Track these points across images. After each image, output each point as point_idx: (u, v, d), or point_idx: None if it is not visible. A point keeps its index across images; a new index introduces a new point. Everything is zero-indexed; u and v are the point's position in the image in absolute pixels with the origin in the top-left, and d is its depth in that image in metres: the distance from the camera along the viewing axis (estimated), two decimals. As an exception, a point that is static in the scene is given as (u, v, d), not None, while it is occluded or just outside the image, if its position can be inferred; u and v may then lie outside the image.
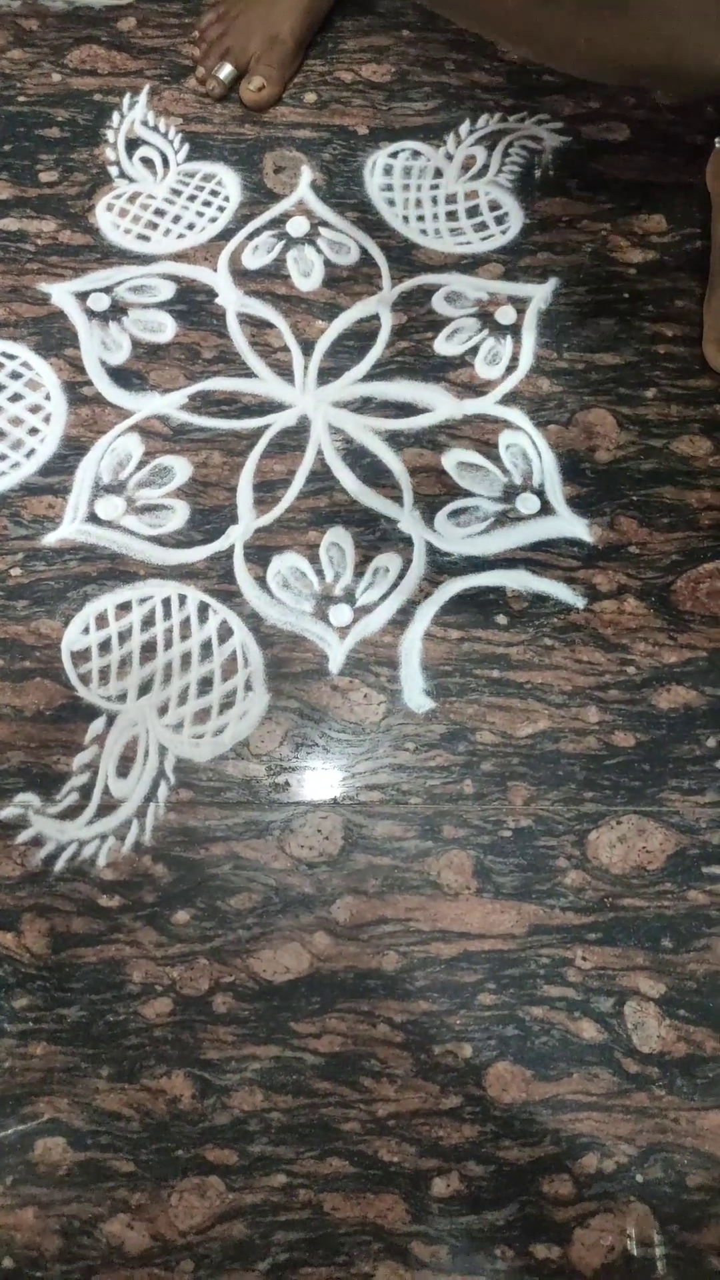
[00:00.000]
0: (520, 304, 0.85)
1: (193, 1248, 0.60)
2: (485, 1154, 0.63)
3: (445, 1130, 0.63)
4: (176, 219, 0.88)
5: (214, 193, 0.89)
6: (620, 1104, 0.64)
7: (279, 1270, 0.60)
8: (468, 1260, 0.61)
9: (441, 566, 0.77)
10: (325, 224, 0.88)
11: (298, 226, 0.88)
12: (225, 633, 0.74)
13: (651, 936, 0.68)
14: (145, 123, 0.91)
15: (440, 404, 0.82)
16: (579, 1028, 0.66)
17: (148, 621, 0.74)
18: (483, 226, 0.88)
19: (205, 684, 0.73)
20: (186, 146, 0.90)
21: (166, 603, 0.75)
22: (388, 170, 0.90)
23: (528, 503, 0.79)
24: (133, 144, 0.90)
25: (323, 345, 0.84)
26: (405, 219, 0.88)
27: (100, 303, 0.84)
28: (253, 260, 0.86)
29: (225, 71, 0.91)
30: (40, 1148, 0.62)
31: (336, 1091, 0.64)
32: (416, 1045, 0.65)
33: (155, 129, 0.91)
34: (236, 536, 0.77)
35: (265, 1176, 0.62)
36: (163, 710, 0.72)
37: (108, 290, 0.85)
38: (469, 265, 0.87)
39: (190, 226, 0.87)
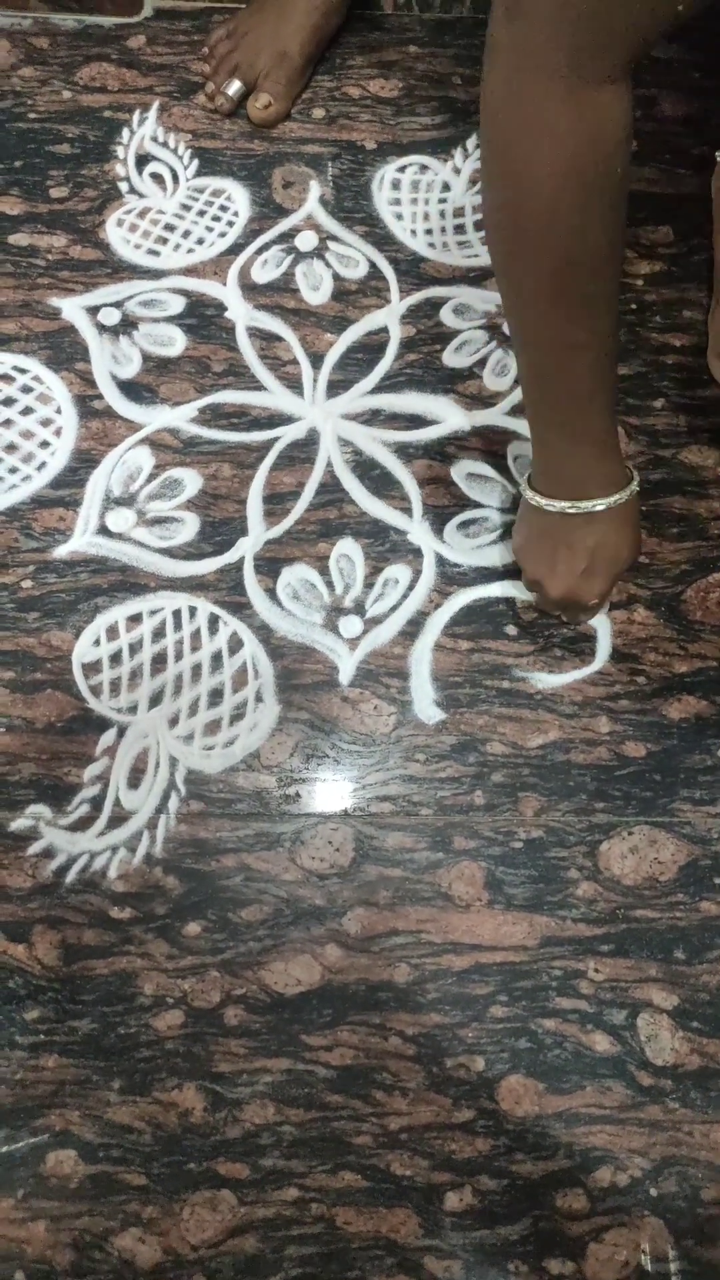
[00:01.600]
0: (528, 316, 0.86)
1: (204, 1262, 0.60)
2: (498, 1168, 0.63)
3: (458, 1144, 0.63)
4: (186, 234, 0.88)
5: (223, 208, 0.89)
6: (634, 1117, 0.64)
7: (291, 1285, 0.60)
8: (481, 1275, 0.60)
9: (451, 577, 0.77)
10: (334, 238, 0.89)
11: (306, 241, 0.88)
12: (236, 644, 0.75)
13: (664, 948, 0.67)
14: (155, 139, 0.92)
15: (449, 415, 0.82)
16: (592, 1040, 0.65)
17: (158, 633, 0.75)
18: (490, 239, 0.88)
19: (216, 696, 0.73)
20: (196, 162, 0.91)
21: (177, 615, 0.75)
22: (396, 184, 0.91)
23: (537, 513, 0.79)
24: (143, 160, 0.91)
25: (332, 358, 0.84)
26: (413, 232, 0.89)
27: (111, 317, 0.85)
28: (262, 274, 0.87)
29: (234, 88, 0.92)
30: (51, 1161, 0.62)
31: (348, 1105, 0.64)
32: (428, 1058, 0.65)
33: (165, 145, 0.92)
34: (247, 548, 0.77)
35: (277, 1190, 0.62)
36: (173, 722, 0.72)
37: (118, 305, 0.85)
38: (477, 278, 0.87)
39: (200, 241, 0.88)
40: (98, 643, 0.74)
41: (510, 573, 0.77)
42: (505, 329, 0.84)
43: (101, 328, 0.84)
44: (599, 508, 0.64)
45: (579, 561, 0.66)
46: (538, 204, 0.52)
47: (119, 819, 0.70)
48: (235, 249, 0.88)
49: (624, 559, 0.67)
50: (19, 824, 0.69)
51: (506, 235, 0.55)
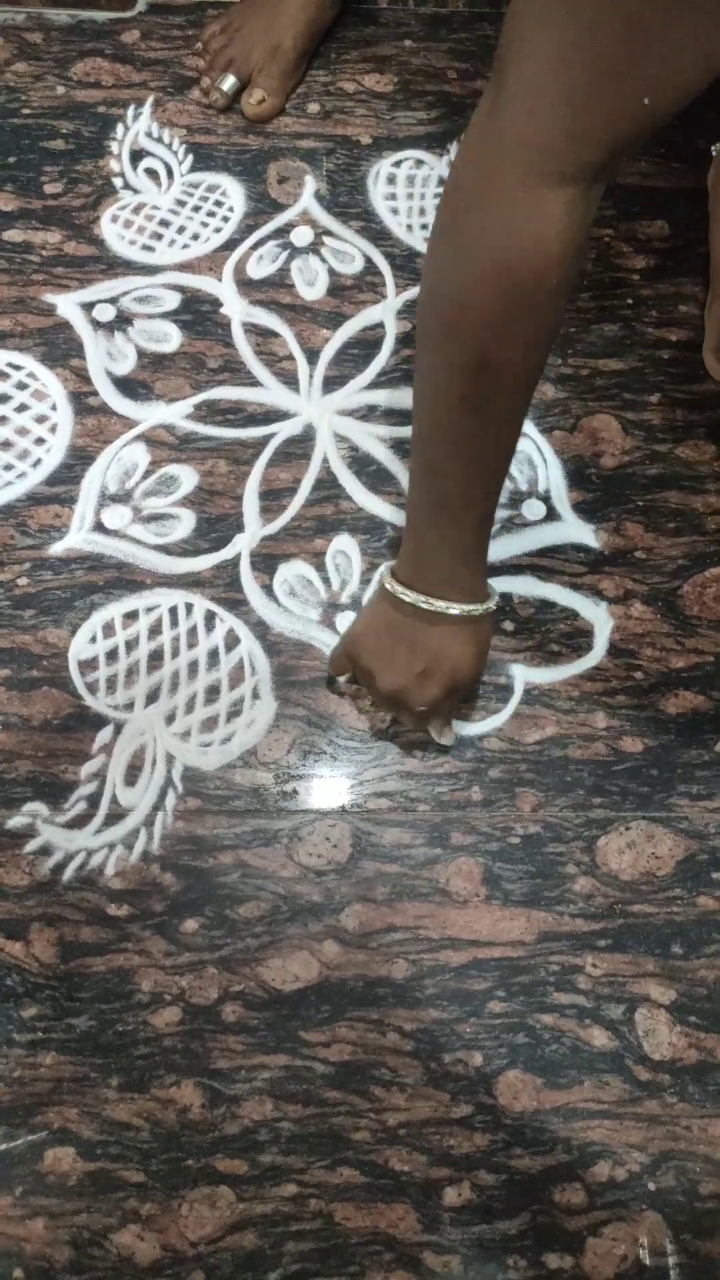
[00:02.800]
0: (524, 311, 0.85)
1: (203, 1258, 0.60)
2: (496, 1163, 0.63)
3: (456, 1139, 0.63)
4: (181, 229, 0.88)
5: (218, 203, 0.89)
6: (632, 1112, 0.64)
7: (290, 1281, 0.60)
8: (480, 1270, 0.60)
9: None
10: (329, 233, 0.88)
11: (302, 236, 0.88)
12: (232, 641, 0.74)
13: (662, 943, 0.68)
14: (149, 134, 0.92)
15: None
16: (590, 1035, 0.65)
17: (155, 630, 0.74)
18: (486, 234, 0.88)
19: (212, 692, 0.73)
20: (191, 157, 0.91)
21: (173, 611, 0.75)
22: (391, 179, 0.91)
23: (533, 509, 0.79)
24: (137, 155, 0.91)
25: (327, 354, 0.84)
26: (409, 227, 0.89)
27: (106, 313, 0.84)
28: (257, 270, 0.87)
29: (228, 83, 0.91)
30: (50, 1158, 0.62)
31: (347, 1100, 0.64)
32: (427, 1054, 0.65)
33: (159, 140, 0.91)
34: (243, 545, 0.77)
35: (276, 1186, 0.62)
36: (170, 719, 0.72)
37: (113, 301, 0.85)
38: (473, 273, 0.87)
39: (195, 237, 0.88)
40: (94, 640, 0.74)
41: (507, 568, 0.77)
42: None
43: (96, 324, 0.84)
44: (453, 611, 0.62)
45: (417, 662, 0.64)
46: (464, 294, 0.50)
47: (116, 816, 0.69)
48: (230, 245, 0.87)
49: (463, 675, 0.65)
50: (16, 821, 0.69)
51: (429, 317, 0.53)
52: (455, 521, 0.60)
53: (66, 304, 0.85)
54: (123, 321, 0.84)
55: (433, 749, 0.72)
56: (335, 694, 0.73)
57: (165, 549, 0.77)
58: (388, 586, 0.65)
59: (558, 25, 0.42)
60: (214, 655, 0.74)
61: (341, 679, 0.71)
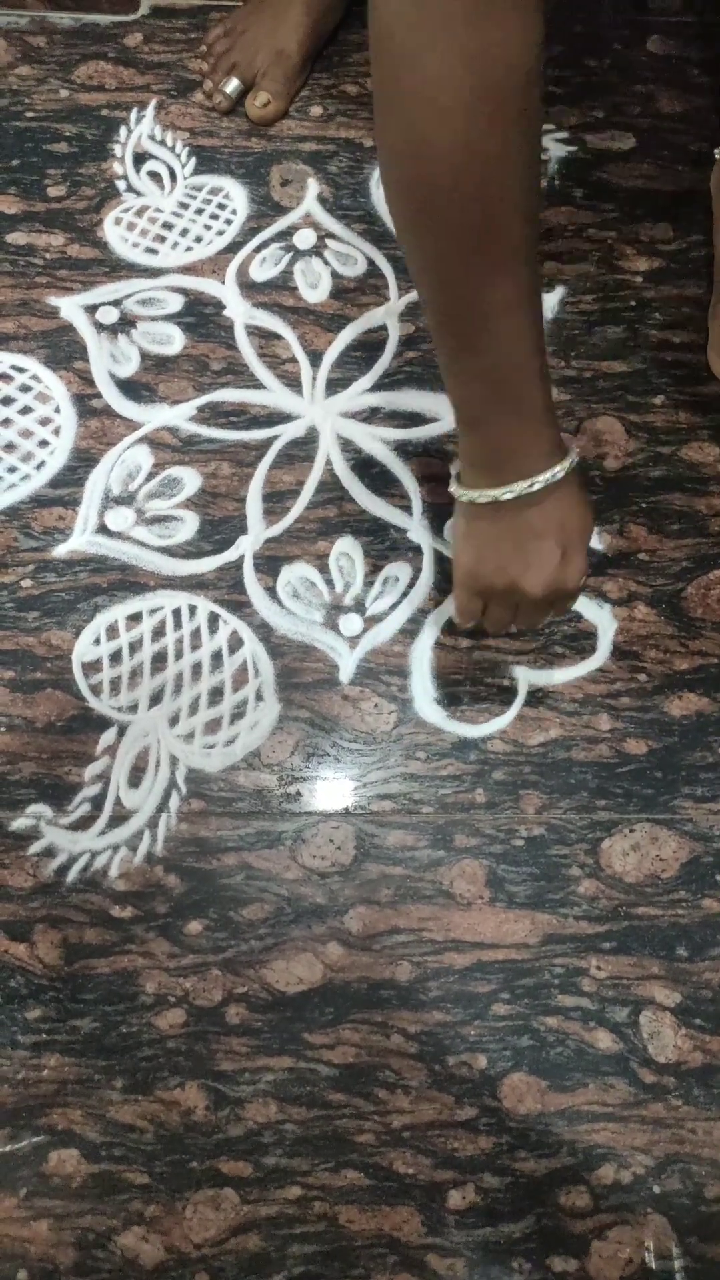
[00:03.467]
0: (527, 313, 0.86)
1: (207, 1260, 0.60)
2: (501, 1165, 0.62)
3: (461, 1142, 0.63)
4: (184, 232, 0.88)
5: (221, 206, 0.89)
6: (636, 1114, 0.64)
7: (294, 1283, 0.60)
8: (484, 1273, 0.60)
9: (451, 575, 0.77)
10: (332, 236, 0.88)
11: (305, 239, 0.88)
12: (236, 643, 0.74)
13: (666, 945, 0.67)
14: (152, 137, 0.92)
15: (448, 413, 0.82)
16: (594, 1038, 0.65)
17: (158, 632, 0.74)
18: (489, 236, 0.88)
19: (216, 694, 0.73)
20: (194, 160, 0.91)
21: (177, 613, 0.75)
22: (394, 182, 0.90)
23: (537, 511, 0.79)
24: (140, 158, 0.91)
25: (330, 356, 0.84)
26: (412, 230, 0.89)
27: (109, 316, 0.85)
28: (260, 272, 0.87)
29: (232, 86, 0.91)
30: (54, 1160, 0.62)
31: (351, 1103, 0.64)
32: (431, 1056, 0.65)
33: (162, 143, 0.91)
34: (246, 547, 0.77)
35: (280, 1189, 0.62)
36: (174, 721, 0.72)
37: (116, 303, 0.85)
38: (476, 275, 0.87)
39: (198, 239, 0.88)
40: (98, 642, 0.74)
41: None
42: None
43: (100, 326, 0.84)
44: (559, 475, 0.57)
45: (552, 546, 0.59)
46: (449, 135, 0.46)
47: (120, 818, 0.69)
48: (233, 247, 0.88)
49: (590, 526, 0.61)
50: (20, 823, 0.69)
51: (415, 182, 0.49)
52: (520, 386, 0.55)
53: (70, 306, 0.85)
54: (126, 324, 0.84)
55: (436, 750, 0.72)
56: (476, 636, 0.68)
57: (169, 551, 0.77)
58: (477, 500, 0.59)
59: None
60: (217, 657, 0.74)
61: (471, 624, 0.66)
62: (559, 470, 0.57)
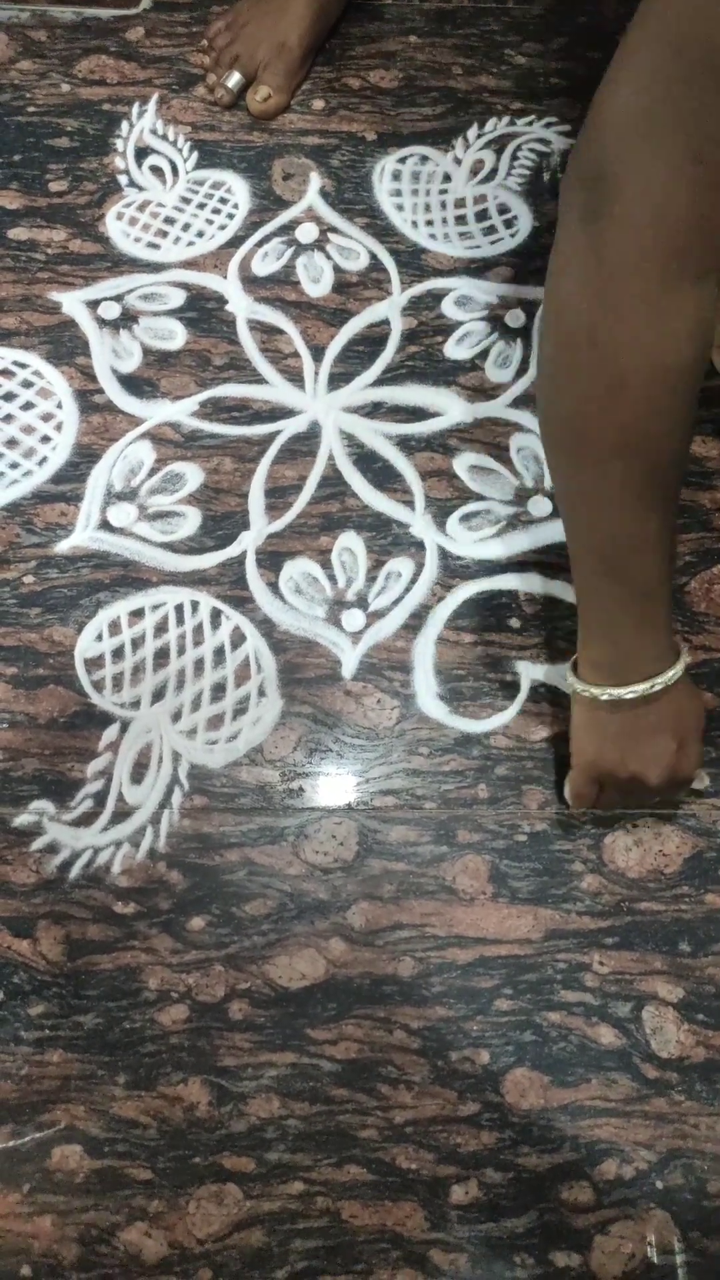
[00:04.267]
0: (530, 307, 0.85)
1: (210, 1256, 0.60)
2: (504, 1161, 0.62)
3: (463, 1137, 0.63)
4: (186, 227, 0.88)
5: (223, 200, 0.89)
6: (639, 1110, 0.64)
7: (297, 1278, 0.60)
8: (487, 1268, 0.60)
9: (454, 570, 0.77)
10: (334, 230, 0.88)
11: (307, 233, 0.88)
12: (238, 639, 0.74)
13: (669, 940, 0.67)
14: (154, 131, 0.92)
15: (451, 408, 0.82)
16: (597, 1033, 0.65)
17: (160, 628, 0.74)
18: (492, 230, 0.88)
19: (218, 690, 0.73)
20: (195, 154, 0.91)
21: (179, 609, 0.75)
22: (396, 175, 0.90)
23: (540, 505, 0.79)
24: (142, 152, 0.90)
25: (333, 351, 0.84)
26: (414, 224, 0.89)
27: (111, 311, 0.84)
28: (262, 267, 0.87)
29: (233, 80, 0.91)
30: (57, 1155, 0.62)
31: (353, 1098, 0.64)
32: (433, 1051, 0.65)
33: (164, 137, 0.91)
34: (248, 542, 0.77)
35: (283, 1184, 0.62)
36: (176, 717, 0.72)
37: (118, 298, 0.85)
38: (479, 269, 0.87)
39: (200, 234, 0.88)
40: (100, 638, 0.74)
41: (513, 565, 0.77)
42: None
43: (102, 322, 0.84)
44: (676, 677, 0.61)
45: (668, 741, 0.63)
46: (629, 406, 0.49)
47: (122, 814, 0.69)
48: (235, 241, 0.87)
49: (702, 716, 0.65)
50: (22, 820, 0.69)
51: (583, 436, 0.53)
52: (651, 605, 0.60)
53: (72, 302, 0.85)
54: (128, 319, 0.84)
55: (439, 746, 0.72)
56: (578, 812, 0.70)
57: (171, 547, 0.77)
58: (601, 697, 0.62)
59: (686, 127, 0.42)
60: (220, 653, 0.74)
61: (582, 808, 0.69)
62: (675, 672, 0.61)
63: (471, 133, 0.92)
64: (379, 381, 0.83)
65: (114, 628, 0.74)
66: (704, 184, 0.44)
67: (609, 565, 0.59)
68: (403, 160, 0.91)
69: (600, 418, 0.51)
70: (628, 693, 0.61)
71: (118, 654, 0.74)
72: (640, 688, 0.61)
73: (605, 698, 0.62)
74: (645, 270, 0.46)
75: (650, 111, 0.44)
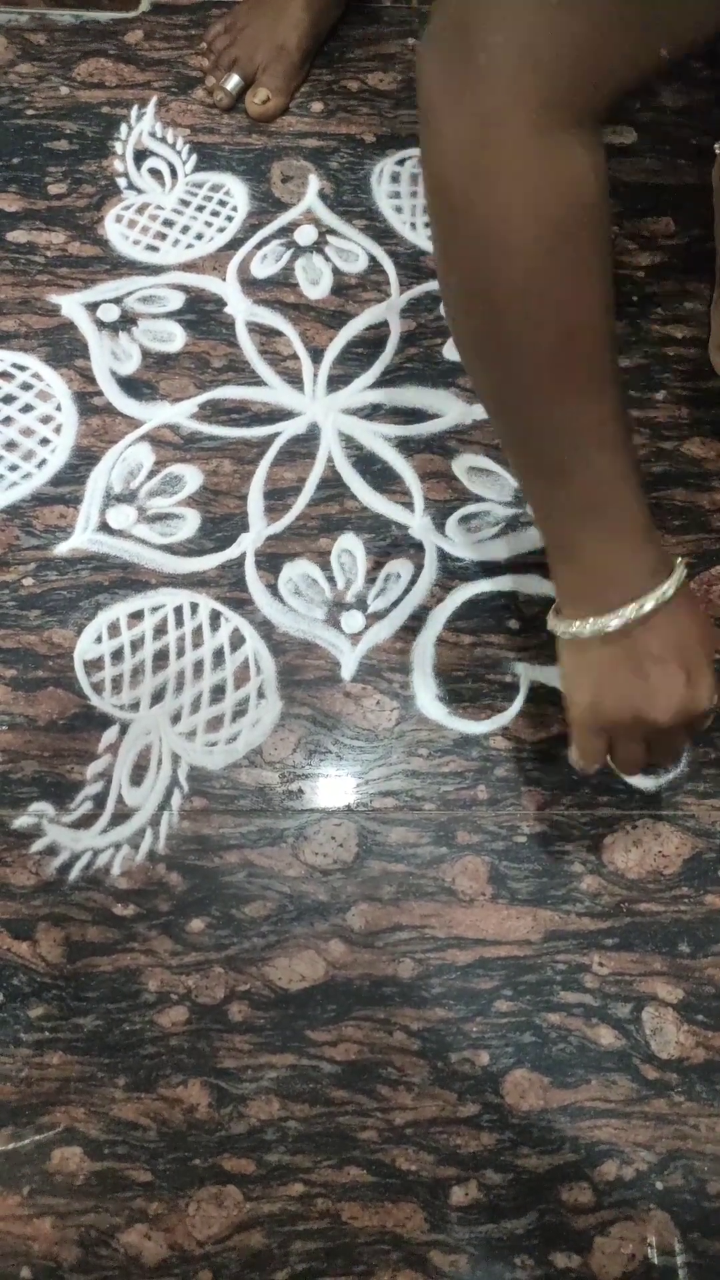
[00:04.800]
0: (529, 309, 0.85)
1: (210, 1258, 0.60)
2: (504, 1162, 0.62)
3: (463, 1138, 0.63)
4: (185, 229, 0.88)
5: (222, 202, 0.89)
6: (639, 1110, 0.64)
7: (297, 1280, 0.60)
8: (487, 1269, 0.60)
9: (453, 572, 0.77)
10: (333, 232, 0.88)
11: (306, 235, 0.88)
12: (237, 640, 0.74)
13: (669, 941, 0.67)
14: (153, 134, 0.92)
15: (450, 409, 0.82)
16: (596, 1034, 0.65)
17: (160, 630, 0.74)
18: (490, 232, 0.88)
19: (218, 692, 0.73)
20: (194, 157, 0.91)
21: (178, 611, 0.75)
22: (395, 178, 0.90)
23: (539, 507, 0.78)
24: (141, 155, 0.91)
25: (332, 353, 0.84)
26: (413, 226, 0.89)
27: (110, 313, 0.85)
28: (261, 269, 0.87)
29: (232, 82, 0.91)
30: (57, 1157, 0.62)
31: (353, 1100, 0.64)
32: (433, 1053, 0.65)
33: (163, 140, 0.91)
34: (248, 544, 0.77)
35: (283, 1186, 0.62)
36: (175, 718, 0.72)
37: (117, 301, 0.85)
38: (477, 271, 0.87)
39: (199, 236, 0.88)
40: (99, 640, 0.74)
41: (513, 566, 0.77)
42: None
43: (101, 324, 0.84)
44: (669, 593, 0.53)
45: (675, 669, 0.54)
46: (517, 276, 0.45)
47: (122, 816, 0.69)
48: (234, 244, 0.87)
49: (712, 638, 0.56)
50: (22, 822, 0.69)
51: (484, 323, 0.48)
52: (617, 504, 0.52)
53: (71, 304, 0.85)
54: (127, 322, 0.84)
55: (438, 747, 0.72)
56: (600, 773, 0.63)
57: (170, 549, 0.77)
58: (582, 633, 0.54)
59: None
60: (219, 655, 0.74)
61: (595, 767, 0.61)
62: (668, 588, 0.53)
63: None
64: (378, 383, 0.83)
65: (113, 630, 0.74)
66: (569, 24, 0.41)
67: (548, 468, 0.52)
68: (401, 162, 0.91)
69: (494, 288, 0.46)
70: (613, 619, 0.53)
71: (117, 656, 0.74)
72: (626, 612, 0.53)
73: (589, 631, 0.54)
74: (517, 121, 0.42)
75: None
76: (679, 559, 0.55)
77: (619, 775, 0.65)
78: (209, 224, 0.88)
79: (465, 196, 0.45)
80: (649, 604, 0.53)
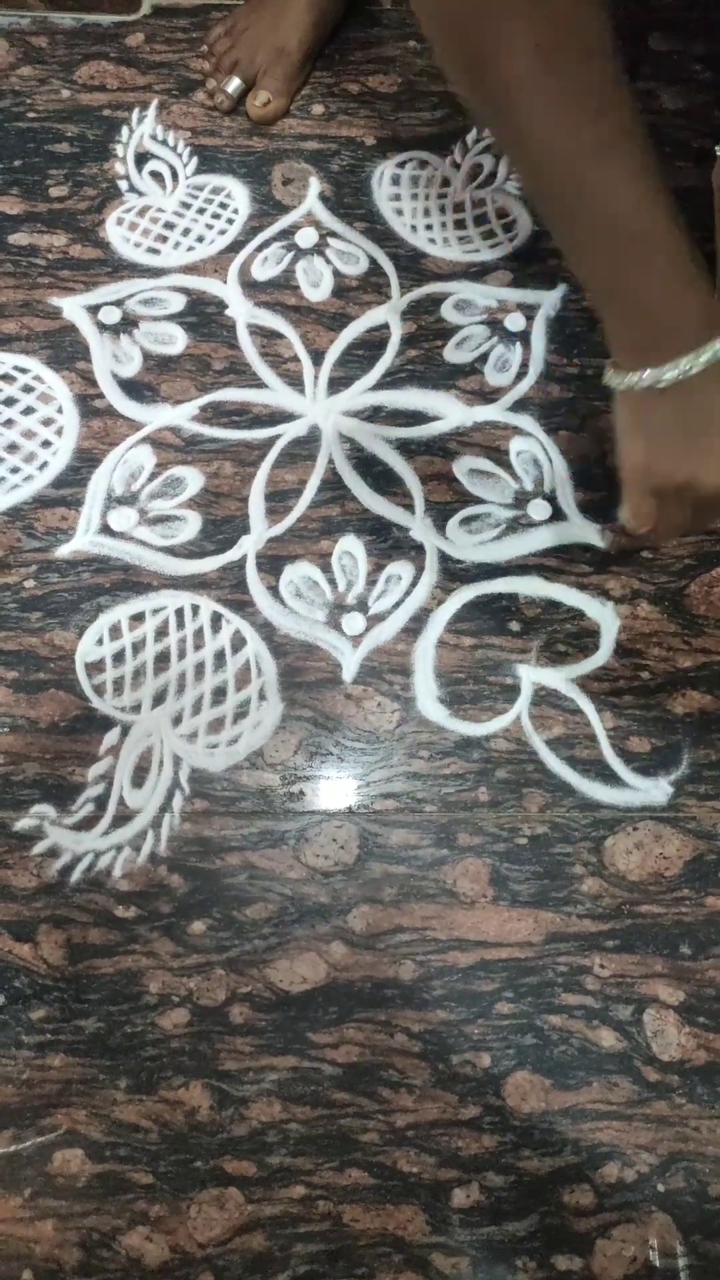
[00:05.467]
0: (529, 310, 0.86)
1: (212, 1260, 0.60)
2: (505, 1164, 0.62)
3: (464, 1140, 0.63)
4: (186, 232, 0.88)
5: (223, 205, 0.89)
6: (640, 1113, 0.64)
7: (299, 1282, 0.60)
8: (489, 1272, 0.60)
9: (454, 574, 0.77)
10: (334, 234, 0.88)
11: (306, 237, 0.88)
12: (238, 642, 0.74)
13: (670, 943, 0.67)
14: (154, 137, 0.92)
15: (450, 411, 0.82)
16: (598, 1036, 0.65)
17: (161, 632, 0.75)
18: (491, 234, 0.88)
19: (219, 694, 0.73)
20: (195, 160, 0.91)
21: (179, 613, 0.75)
22: (395, 180, 0.91)
23: (539, 509, 0.79)
24: (142, 158, 0.91)
25: (333, 355, 0.84)
26: (413, 228, 0.89)
27: (111, 316, 0.85)
28: (262, 271, 0.87)
29: (233, 85, 0.91)
30: (59, 1159, 0.62)
31: (355, 1102, 0.64)
32: (434, 1055, 0.65)
33: (164, 143, 0.91)
34: (249, 546, 0.77)
35: (284, 1188, 0.62)
36: (177, 720, 0.72)
37: (118, 303, 0.85)
38: (478, 273, 0.87)
39: (200, 239, 0.88)
40: (100, 642, 0.74)
41: (513, 568, 0.77)
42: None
43: (102, 326, 0.84)
44: (713, 350, 0.50)
45: None
46: None
47: (123, 818, 0.70)
48: (235, 246, 0.88)
49: None
50: (23, 824, 0.69)
51: (482, 16, 0.44)
52: (644, 248, 0.49)
53: (72, 307, 0.85)
54: (128, 324, 0.85)
55: (439, 749, 0.72)
56: (636, 543, 0.60)
57: (171, 551, 0.77)
58: (636, 386, 0.52)
59: None
60: (220, 657, 0.74)
61: (646, 527, 0.59)
62: None
63: (470, 137, 0.92)
64: (378, 385, 0.83)
65: (114, 632, 0.75)
66: None
67: (569, 200, 0.49)
68: (402, 165, 0.91)
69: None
70: (668, 370, 0.50)
71: (118, 658, 0.74)
72: (683, 363, 0.50)
73: (645, 383, 0.51)
74: None
75: None
76: None
77: (658, 540, 0.61)
78: (210, 226, 0.88)
79: None
80: (705, 355, 0.50)
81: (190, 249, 0.87)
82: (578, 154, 0.47)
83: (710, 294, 0.51)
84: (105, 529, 0.78)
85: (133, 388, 0.82)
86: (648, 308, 0.51)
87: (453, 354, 0.84)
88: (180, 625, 0.75)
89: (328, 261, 0.87)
